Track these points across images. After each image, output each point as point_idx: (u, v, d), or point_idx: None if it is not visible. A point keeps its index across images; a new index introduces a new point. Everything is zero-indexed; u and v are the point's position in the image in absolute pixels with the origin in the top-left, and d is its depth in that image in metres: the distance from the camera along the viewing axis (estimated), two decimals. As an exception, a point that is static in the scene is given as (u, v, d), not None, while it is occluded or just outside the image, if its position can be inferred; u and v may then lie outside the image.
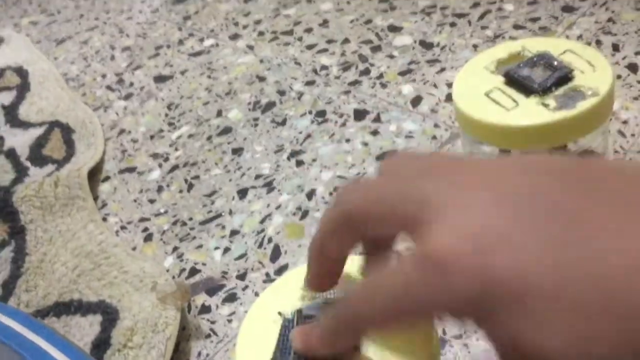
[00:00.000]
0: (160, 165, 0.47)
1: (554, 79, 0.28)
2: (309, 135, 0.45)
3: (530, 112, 0.28)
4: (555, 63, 0.29)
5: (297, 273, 0.26)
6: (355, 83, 0.48)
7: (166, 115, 0.52)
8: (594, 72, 0.29)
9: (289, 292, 0.25)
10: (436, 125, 0.42)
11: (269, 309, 0.25)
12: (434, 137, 0.41)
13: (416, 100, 0.44)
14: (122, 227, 0.43)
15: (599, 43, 0.44)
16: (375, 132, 0.43)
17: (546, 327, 0.15)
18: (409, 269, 0.17)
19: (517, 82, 0.29)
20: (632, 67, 0.42)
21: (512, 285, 0.15)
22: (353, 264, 0.24)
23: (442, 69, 0.46)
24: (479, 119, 0.29)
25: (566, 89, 0.28)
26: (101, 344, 0.33)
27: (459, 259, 0.16)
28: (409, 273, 0.17)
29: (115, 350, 0.32)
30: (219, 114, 0.50)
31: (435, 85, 0.45)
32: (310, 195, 0.41)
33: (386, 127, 0.43)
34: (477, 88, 0.30)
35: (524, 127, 0.28)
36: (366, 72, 0.49)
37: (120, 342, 0.32)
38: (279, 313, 0.24)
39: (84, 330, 0.35)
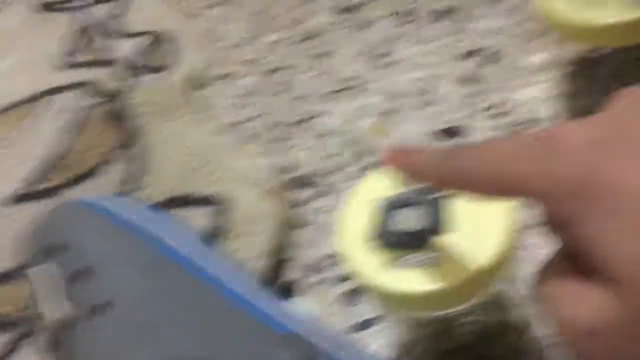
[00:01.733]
0: (253, 71, 0.50)
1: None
2: (394, 37, 0.46)
3: (615, 9, 0.28)
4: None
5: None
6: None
7: (256, 21, 0.54)
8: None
9: (381, 182, 0.28)
10: (523, 22, 0.42)
11: (363, 197, 0.28)
12: (521, 34, 0.41)
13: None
14: (224, 130, 0.47)
15: None
16: (460, 31, 0.44)
17: (630, 233, 0.16)
18: (529, 139, 0.19)
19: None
20: None
21: (613, 186, 0.16)
22: None
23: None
24: (567, 17, 0.29)
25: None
26: (215, 231, 0.38)
27: (577, 146, 0.17)
28: (528, 141, 0.18)
29: (229, 236, 0.37)
30: (306, 18, 0.52)
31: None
32: (397, 96, 0.43)
33: (472, 25, 0.44)
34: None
35: (608, 25, 0.28)
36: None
37: (232, 229, 0.37)
38: (373, 199, 0.28)
39: (199, 220, 0.40)
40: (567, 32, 0.30)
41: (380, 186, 0.28)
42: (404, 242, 0.26)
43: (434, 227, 0.26)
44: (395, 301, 0.27)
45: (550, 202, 0.18)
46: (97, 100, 0.53)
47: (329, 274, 0.36)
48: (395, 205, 0.27)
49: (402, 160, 0.23)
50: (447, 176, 0.21)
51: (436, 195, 0.27)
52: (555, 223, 0.19)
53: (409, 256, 0.26)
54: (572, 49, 0.31)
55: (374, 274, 0.26)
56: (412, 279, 0.25)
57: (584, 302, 0.17)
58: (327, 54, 0.48)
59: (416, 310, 0.30)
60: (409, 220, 0.27)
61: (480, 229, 0.25)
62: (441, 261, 0.25)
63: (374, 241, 0.26)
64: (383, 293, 0.26)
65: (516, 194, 0.19)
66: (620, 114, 0.18)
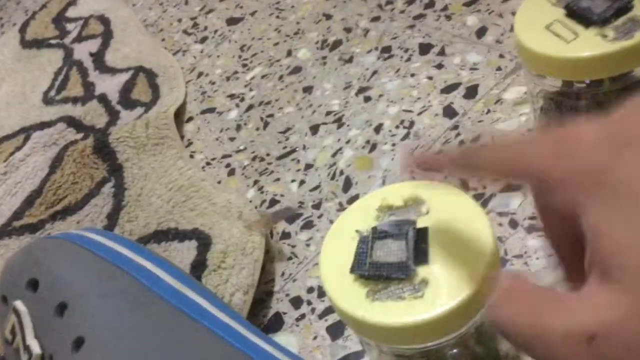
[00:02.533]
0: (237, 105, 0.51)
1: (613, 9, 0.29)
2: (375, 72, 0.47)
3: (590, 44, 0.29)
4: (616, -7, 0.30)
5: (371, 198, 0.29)
6: (420, 17, 0.49)
7: (239, 56, 0.55)
8: (655, 2, 0.29)
9: (365, 213, 0.28)
10: (501, 56, 0.43)
11: (347, 228, 0.28)
12: (499, 69, 0.42)
13: (481, 32, 0.45)
14: (207, 163, 0.47)
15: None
16: (439, 66, 0.45)
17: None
18: (547, 135, 0.19)
19: (577, 14, 0.30)
20: None
21: (626, 183, 0.16)
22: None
23: (507, -1, 0.47)
24: (540, 52, 0.30)
25: (625, 20, 0.29)
26: (198, 265, 0.37)
27: (592, 142, 0.17)
28: (546, 137, 0.19)
29: (211, 270, 0.37)
30: (289, 53, 0.52)
31: (500, 15, 0.46)
32: (378, 129, 0.43)
33: (450, 60, 0.44)
34: (538, 21, 0.31)
35: (583, 58, 0.29)
36: (431, 4, 0.50)
37: (215, 263, 0.37)
38: (356, 231, 0.28)
39: (182, 254, 0.39)
40: (544, 66, 0.31)
41: (365, 216, 0.28)
42: (386, 272, 0.26)
43: (417, 258, 0.26)
44: (378, 334, 0.27)
45: (564, 190, 0.18)
46: (82, 135, 0.53)
47: (314, 307, 0.36)
48: (377, 236, 0.27)
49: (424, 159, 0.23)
50: (471, 157, 0.22)
51: (417, 226, 0.27)
52: (564, 213, 0.18)
53: (392, 287, 0.26)
54: (551, 83, 0.32)
55: (356, 307, 0.26)
56: (395, 311, 0.25)
57: (578, 307, 0.16)
58: (310, 89, 0.49)
59: (400, 343, 0.30)
60: (392, 251, 0.27)
61: (463, 258, 0.25)
62: (425, 292, 0.25)
63: (357, 273, 0.26)
64: (366, 326, 0.26)
65: (531, 178, 0.19)
66: (634, 115, 0.18)
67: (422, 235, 0.27)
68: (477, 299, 0.25)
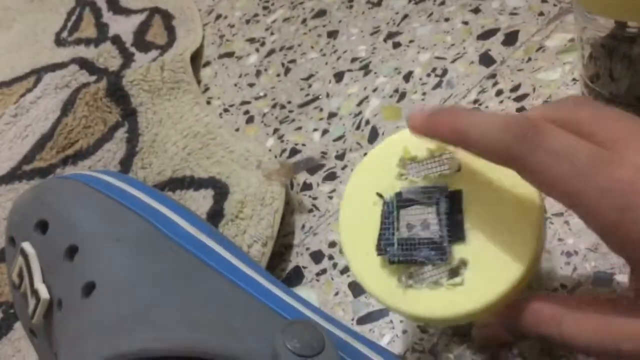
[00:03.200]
0: (257, 50, 0.48)
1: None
2: (406, 16, 0.44)
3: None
4: None
5: (390, 146, 0.26)
6: (455, -41, 0.46)
7: (263, 9, 0.52)
8: None
9: (384, 168, 0.25)
10: (544, 0, 0.40)
11: (366, 190, 0.25)
12: (541, 14, 0.39)
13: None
14: (225, 110, 0.45)
15: None
16: (476, 10, 0.42)
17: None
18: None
19: None
20: None
21: None
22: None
23: (552, -60, 0.43)
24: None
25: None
26: (215, 215, 0.36)
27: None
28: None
29: (228, 220, 0.35)
30: (313, -4, 0.49)
31: (543, -41, 0.42)
32: (408, 77, 0.41)
33: (488, 4, 0.41)
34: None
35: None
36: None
37: (233, 213, 0.35)
38: (378, 194, 0.25)
39: (198, 202, 0.38)
40: (596, 5, 0.28)
41: (383, 174, 0.25)
42: (419, 257, 0.23)
43: (452, 233, 0.23)
44: (415, 320, 0.25)
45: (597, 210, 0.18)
46: (94, 77, 0.50)
47: (335, 262, 0.34)
48: (402, 205, 0.24)
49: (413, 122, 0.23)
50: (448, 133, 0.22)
51: (448, 193, 0.24)
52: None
53: (427, 272, 0.23)
54: (602, 24, 0.29)
55: (389, 295, 0.23)
56: (433, 303, 0.22)
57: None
58: (335, 33, 0.46)
59: (436, 326, 0.28)
60: (422, 222, 0.24)
61: (505, 228, 0.22)
62: (465, 277, 0.22)
63: (386, 257, 0.24)
64: (401, 313, 0.24)
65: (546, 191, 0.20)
66: None
67: (455, 202, 0.23)
68: (524, 280, 0.22)
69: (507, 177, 0.22)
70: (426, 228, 0.24)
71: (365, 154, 0.38)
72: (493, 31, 0.40)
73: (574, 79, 0.35)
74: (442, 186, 0.24)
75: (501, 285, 0.21)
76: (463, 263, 0.23)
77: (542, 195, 0.22)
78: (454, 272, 0.23)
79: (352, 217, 0.25)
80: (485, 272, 0.22)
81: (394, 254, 0.23)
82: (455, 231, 0.23)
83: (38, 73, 0.54)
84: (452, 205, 0.24)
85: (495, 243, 0.22)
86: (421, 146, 0.25)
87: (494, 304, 0.21)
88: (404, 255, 0.23)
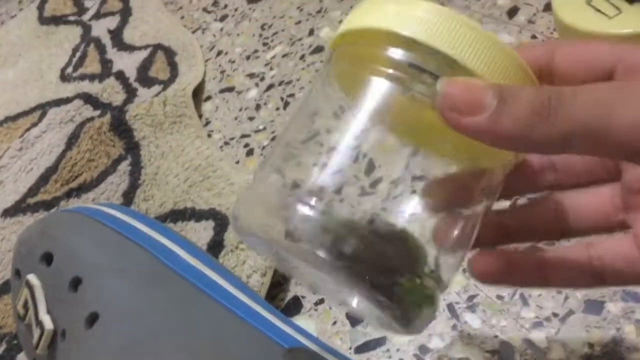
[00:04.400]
0: (257, 85, 0.49)
1: (662, -16, 0.27)
2: (400, 52, 0.45)
3: (633, 19, 0.27)
4: (664, -33, 0.28)
5: None
6: (447, -3, 0.48)
7: (260, 35, 0.53)
8: None
9: None
10: (533, 37, 0.41)
11: None
12: (530, 50, 0.40)
13: (512, 12, 0.44)
14: (226, 143, 0.46)
15: None
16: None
17: None
18: None
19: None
20: None
21: None
22: None
23: (541, -22, 0.45)
24: (581, 28, 0.29)
25: (675, -5, 0.27)
26: (215, 245, 0.36)
27: None
28: None
29: (228, 251, 0.36)
30: (311, 32, 0.51)
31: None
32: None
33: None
34: (578, -3, 0.30)
35: (627, 34, 0.27)
36: (459, -16, 0.48)
37: (232, 244, 0.36)
38: None
39: (199, 233, 0.38)
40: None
41: None
42: None
43: None
44: None
45: None
46: (99, 112, 0.52)
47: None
48: None
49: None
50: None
51: None
52: None
53: None
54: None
55: None
56: None
57: None
58: (332, 68, 0.47)
59: None
60: None
61: None
62: None
63: None
64: None
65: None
66: None
67: None
68: None
69: None
70: None
71: (361, 187, 0.39)
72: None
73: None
74: None
75: None
76: None
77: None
78: None
79: None
80: None
81: None
82: None
83: (43, 108, 0.56)
84: None
85: None
86: None
87: None
88: None
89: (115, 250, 0.27)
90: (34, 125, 0.54)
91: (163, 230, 0.33)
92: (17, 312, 0.27)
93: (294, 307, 0.35)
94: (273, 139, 0.45)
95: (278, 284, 0.36)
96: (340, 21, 0.50)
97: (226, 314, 0.25)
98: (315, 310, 0.34)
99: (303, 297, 0.35)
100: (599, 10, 0.28)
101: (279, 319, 0.26)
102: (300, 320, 0.34)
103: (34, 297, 0.25)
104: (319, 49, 0.49)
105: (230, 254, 0.36)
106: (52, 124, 0.53)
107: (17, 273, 0.28)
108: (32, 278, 0.26)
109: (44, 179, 0.48)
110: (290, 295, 0.35)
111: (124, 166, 0.46)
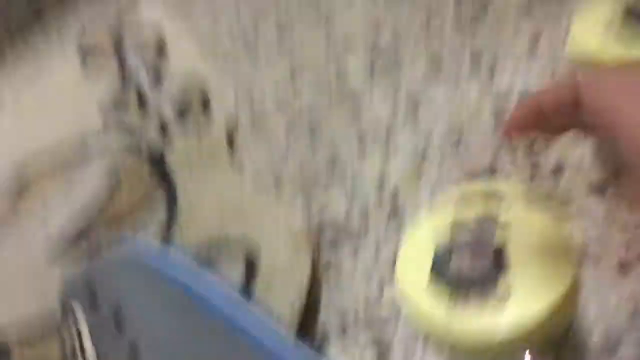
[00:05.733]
0: (286, 120, 0.51)
1: None
2: (426, 81, 0.47)
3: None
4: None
5: (446, 202, 0.28)
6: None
7: (290, 71, 0.55)
8: None
9: (440, 221, 0.28)
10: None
11: (418, 242, 0.28)
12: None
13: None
14: (257, 177, 0.48)
15: None
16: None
17: None
18: None
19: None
20: None
21: None
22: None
23: None
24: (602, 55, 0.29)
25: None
26: (247, 277, 0.38)
27: None
28: None
29: (259, 282, 0.37)
30: (338, 66, 0.53)
31: (553, 23, 0.44)
32: (428, 139, 0.43)
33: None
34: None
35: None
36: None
37: (264, 276, 0.37)
38: (429, 244, 0.28)
39: (231, 266, 0.40)
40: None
41: (434, 230, 0.28)
42: (467, 284, 0.26)
43: (497, 269, 0.26)
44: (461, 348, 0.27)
45: None
46: (136, 150, 0.54)
47: (362, 329, 0.36)
48: (454, 248, 0.27)
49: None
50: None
51: (493, 237, 0.27)
52: None
53: (473, 299, 0.26)
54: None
55: (440, 322, 0.25)
56: (478, 327, 0.25)
57: None
58: (358, 99, 0.49)
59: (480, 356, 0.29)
60: (471, 262, 0.27)
61: (544, 270, 0.25)
62: (506, 304, 0.25)
63: (436, 286, 0.26)
64: (450, 342, 0.26)
65: None
66: None
67: (499, 246, 0.27)
68: (560, 312, 0.24)
69: (547, 228, 0.26)
70: (474, 267, 0.27)
71: (388, 216, 0.40)
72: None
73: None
74: (487, 232, 0.27)
75: (538, 313, 0.24)
76: (505, 294, 0.25)
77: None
78: (497, 303, 0.25)
79: (408, 262, 0.28)
80: (525, 299, 0.24)
81: (443, 285, 0.26)
82: (499, 269, 0.26)
83: (83, 145, 0.59)
84: (496, 248, 0.26)
85: (535, 273, 0.25)
86: (469, 211, 0.28)
87: (534, 326, 0.24)
88: (452, 286, 0.26)
89: (154, 288, 0.29)
90: (75, 164, 0.57)
91: (197, 267, 0.35)
92: (64, 353, 0.29)
93: (323, 340, 0.36)
94: (302, 170, 0.46)
95: (308, 316, 0.37)
96: (364, 48, 0.52)
97: (257, 349, 0.26)
98: (344, 348, 0.35)
99: (332, 330, 0.36)
100: (617, 36, 0.29)
101: (308, 354, 0.28)
102: (330, 354, 0.35)
103: (79, 334, 0.27)
104: (345, 81, 0.51)
105: (261, 286, 0.37)
106: (91, 163, 0.55)
107: (64, 314, 0.30)
108: (78, 321, 0.28)
109: (85, 216, 0.51)
110: (319, 329, 0.37)
111: (161, 203, 0.49)
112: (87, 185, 0.53)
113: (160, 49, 0.65)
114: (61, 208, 0.52)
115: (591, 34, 0.30)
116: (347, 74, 0.51)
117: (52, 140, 0.62)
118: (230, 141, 0.52)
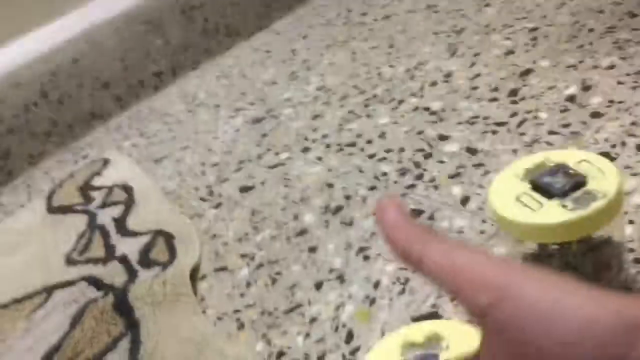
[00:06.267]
0: (247, 264, 0.55)
1: (570, 184, 0.35)
2: (373, 233, 0.52)
3: (553, 213, 0.34)
4: (572, 171, 0.36)
5: (394, 336, 0.33)
6: (411, 186, 0.56)
7: (250, 220, 0.60)
8: (604, 178, 0.35)
9: (390, 351, 0.32)
10: (483, 222, 0.49)
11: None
12: (482, 232, 0.48)
13: (465, 200, 0.52)
14: (219, 318, 0.51)
15: (623, 144, 0.50)
16: (430, 229, 0.50)
17: None
18: None
19: (541, 187, 0.36)
20: (654, 164, 0.48)
21: None
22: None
23: (487, 172, 0.53)
24: (512, 219, 0.36)
25: (581, 193, 0.35)
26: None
27: None
28: None
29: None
30: (296, 217, 0.58)
31: (481, 186, 0.52)
32: (377, 285, 0.47)
33: (439, 224, 0.50)
34: (509, 193, 0.37)
35: (547, 225, 0.34)
36: (420, 176, 0.57)
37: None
38: None
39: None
40: (516, 231, 0.36)
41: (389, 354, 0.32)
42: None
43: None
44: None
45: None
46: (102, 293, 0.57)
47: None
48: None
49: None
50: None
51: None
52: None
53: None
54: (525, 246, 0.37)
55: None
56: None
57: None
58: (314, 249, 0.54)
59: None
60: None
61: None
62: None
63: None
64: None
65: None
66: None
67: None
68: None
69: None
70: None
71: (342, 355, 0.43)
72: (444, 246, 0.48)
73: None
74: (434, 354, 0.31)
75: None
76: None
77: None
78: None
79: None
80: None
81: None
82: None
83: (49, 290, 0.61)
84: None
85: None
86: (419, 335, 0.32)
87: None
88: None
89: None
90: (40, 306, 0.58)
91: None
92: None
93: None
94: (262, 313, 0.50)
95: None
96: (321, 207, 0.58)
97: None
98: None
99: None
100: (525, 205, 0.36)
101: None
102: None
103: None
104: (303, 232, 0.56)
105: None
106: (57, 306, 0.57)
107: None
108: None
109: (47, 357, 0.51)
110: None
111: (125, 343, 0.50)
112: (51, 330, 0.54)
113: (128, 204, 0.70)
114: (24, 354, 0.53)
115: (503, 200, 0.37)
116: (304, 226, 0.57)
117: (17, 289, 0.63)
118: (194, 284, 0.55)
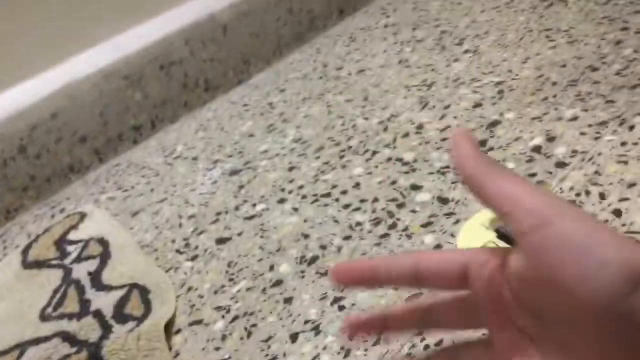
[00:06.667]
0: (223, 317, 0.55)
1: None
2: (348, 284, 0.53)
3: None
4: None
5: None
6: (385, 236, 0.57)
7: (226, 272, 0.61)
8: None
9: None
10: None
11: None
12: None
13: (437, 248, 0.52)
14: (194, 373, 0.50)
15: (587, 193, 0.52)
16: (403, 278, 0.51)
17: None
18: None
19: (505, 236, 0.37)
20: (616, 213, 0.49)
21: None
22: None
23: (457, 221, 0.55)
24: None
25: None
26: None
27: None
28: None
29: None
30: (272, 268, 0.59)
31: (452, 235, 0.53)
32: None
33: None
34: (475, 241, 0.38)
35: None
36: (394, 225, 0.58)
37: None
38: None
39: None
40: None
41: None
42: None
43: None
44: None
45: None
46: (75, 349, 0.56)
47: None
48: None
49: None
50: None
51: None
52: None
53: None
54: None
55: None
56: None
57: None
58: (290, 299, 0.54)
59: None
60: None
61: None
62: None
63: None
64: None
65: None
66: None
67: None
68: None
69: None
70: None
71: None
72: (418, 294, 0.49)
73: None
74: None
75: None
76: None
77: None
78: None
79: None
80: None
81: None
82: None
83: (22, 347, 0.60)
84: None
85: None
86: None
87: None
88: None
89: None
90: (11, 364, 0.57)
91: None
92: None
93: None
94: (237, 367, 0.49)
95: None
96: (296, 258, 0.59)
97: None
98: None
99: None
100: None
101: None
102: None
103: None
104: (278, 282, 0.56)
105: None
106: (29, 362, 0.56)
107: None
108: None
109: (17, 417, 0.50)
110: None
111: (97, 400, 0.49)
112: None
113: (103, 257, 0.70)
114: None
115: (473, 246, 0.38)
116: (280, 277, 0.57)
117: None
118: (168, 338, 0.55)
